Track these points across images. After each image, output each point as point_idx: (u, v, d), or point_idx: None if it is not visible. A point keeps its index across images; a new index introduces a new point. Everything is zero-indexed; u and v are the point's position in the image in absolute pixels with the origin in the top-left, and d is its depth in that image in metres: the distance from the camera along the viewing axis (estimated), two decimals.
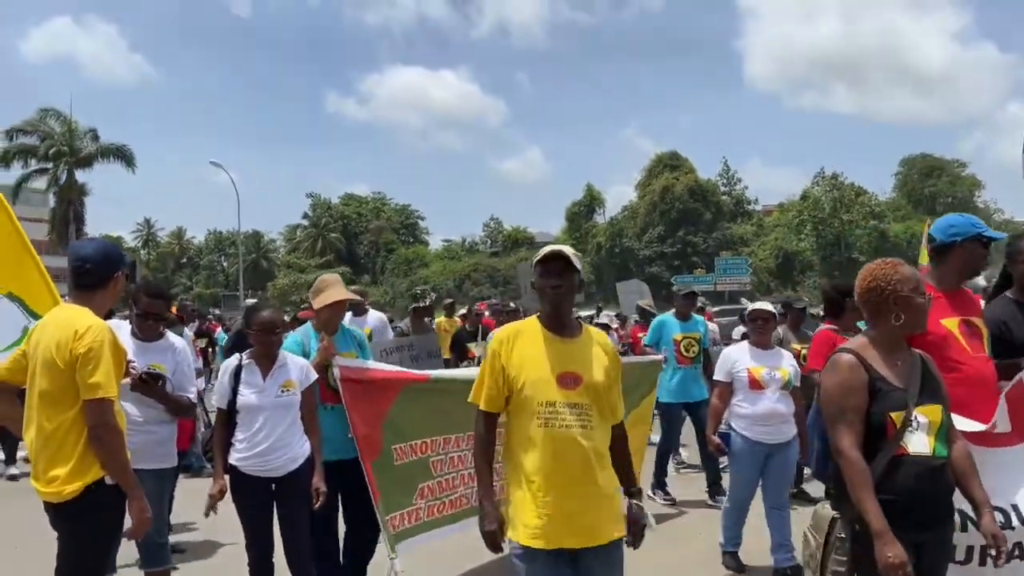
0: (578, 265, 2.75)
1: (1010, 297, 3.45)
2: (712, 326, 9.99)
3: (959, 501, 2.66)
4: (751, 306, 5.17)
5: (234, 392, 3.80)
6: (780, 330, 6.08)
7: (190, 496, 5.01)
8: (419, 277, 54.74)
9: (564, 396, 2.66)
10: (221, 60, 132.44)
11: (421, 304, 8.90)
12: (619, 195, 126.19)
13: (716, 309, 21.26)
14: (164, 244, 74.01)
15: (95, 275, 3.05)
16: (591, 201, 56.72)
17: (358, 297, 4.34)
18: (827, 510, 2.76)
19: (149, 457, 3.62)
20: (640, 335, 8.52)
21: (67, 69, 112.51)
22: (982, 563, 2.81)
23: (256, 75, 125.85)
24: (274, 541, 3.85)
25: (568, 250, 2.76)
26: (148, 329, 3.90)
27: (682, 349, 6.88)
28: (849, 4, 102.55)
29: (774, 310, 5.14)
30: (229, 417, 3.84)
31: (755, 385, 4.76)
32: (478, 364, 7.52)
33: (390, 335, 7.65)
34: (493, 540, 2.74)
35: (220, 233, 71.78)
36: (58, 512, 2.93)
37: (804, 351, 5.68)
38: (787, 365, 4.87)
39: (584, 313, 14.56)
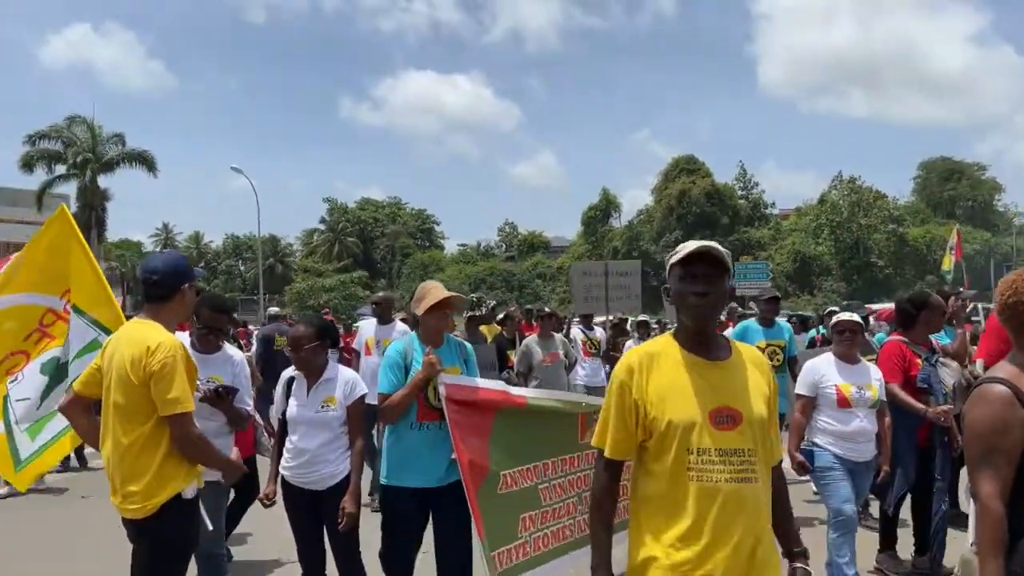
0: (730, 266, 2.21)
1: None
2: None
3: None
4: (837, 316, 4.80)
5: (287, 403, 3.91)
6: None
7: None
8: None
9: (720, 440, 2.10)
10: (236, 67, 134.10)
11: (478, 312, 8.20)
12: (633, 199, 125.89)
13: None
14: (182, 248, 74.51)
15: (163, 287, 3.13)
16: (607, 205, 56.52)
17: (463, 297, 4.18)
18: (975, 557, 2.35)
19: (206, 470, 3.69)
20: None
21: (86, 75, 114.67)
22: None
23: (271, 81, 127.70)
24: (326, 555, 3.90)
25: (718, 247, 2.19)
26: (208, 342, 3.98)
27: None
28: (864, 8, 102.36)
29: (861, 321, 4.78)
30: (283, 427, 3.94)
31: (843, 403, 4.45)
32: (517, 374, 7.52)
33: None
34: None
35: (237, 237, 72.37)
36: (137, 527, 3.00)
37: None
38: (875, 382, 4.57)
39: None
